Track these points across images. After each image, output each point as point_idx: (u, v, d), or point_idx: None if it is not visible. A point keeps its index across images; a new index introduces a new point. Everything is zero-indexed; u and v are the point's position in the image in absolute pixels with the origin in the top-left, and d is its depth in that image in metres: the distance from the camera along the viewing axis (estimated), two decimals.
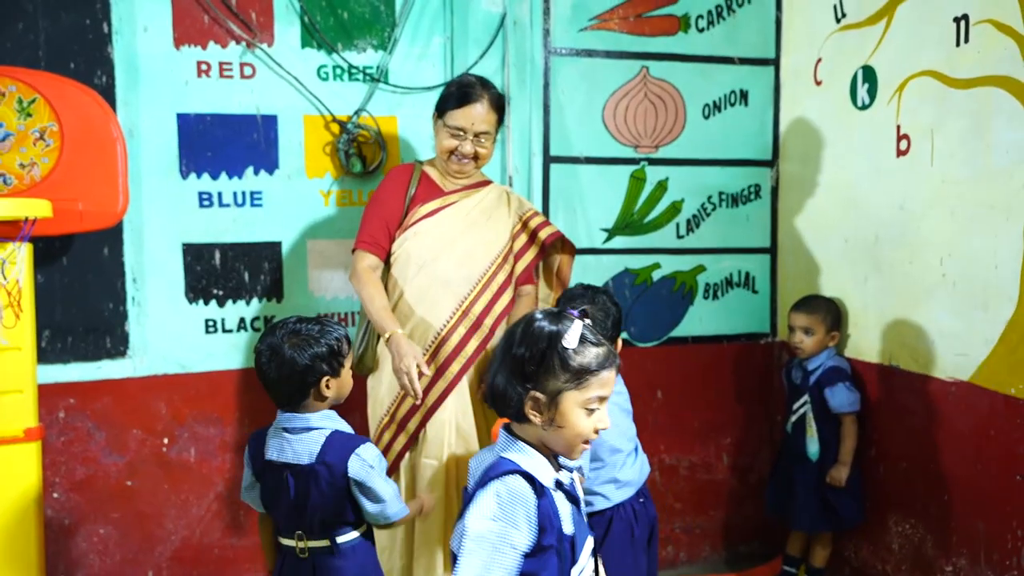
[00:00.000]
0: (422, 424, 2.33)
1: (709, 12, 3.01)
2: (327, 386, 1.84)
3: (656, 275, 3.06)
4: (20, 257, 2.16)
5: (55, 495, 2.55)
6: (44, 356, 2.48)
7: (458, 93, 2.34)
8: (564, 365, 1.40)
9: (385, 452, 2.36)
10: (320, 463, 1.80)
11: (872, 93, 2.64)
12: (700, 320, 3.10)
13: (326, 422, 1.86)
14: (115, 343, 2.59)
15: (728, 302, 3.13)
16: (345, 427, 1.89)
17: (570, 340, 1.40)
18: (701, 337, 3.11)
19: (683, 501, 3.13)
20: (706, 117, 3.05)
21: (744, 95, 3.07)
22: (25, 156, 2.26)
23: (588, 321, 1.45)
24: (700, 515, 3.14)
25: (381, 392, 2.39)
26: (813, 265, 2.95)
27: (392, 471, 2.37)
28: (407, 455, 2.37)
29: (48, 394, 2.47)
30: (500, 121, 2.41)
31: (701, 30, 3.01)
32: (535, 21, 2.87)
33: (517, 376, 1.42)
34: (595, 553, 1.56)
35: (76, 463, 2.57)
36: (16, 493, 2.18)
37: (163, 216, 2.61)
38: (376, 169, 2.75)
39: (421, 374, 2.12)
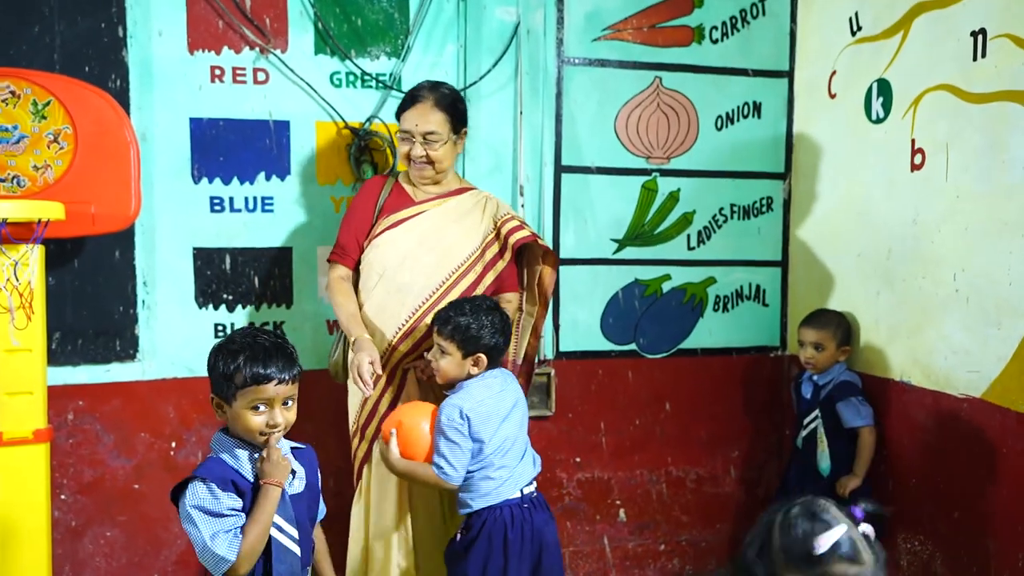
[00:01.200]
0: (377, 430, 2.34)
1: (723, 23, 3.00)
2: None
3: (666, 286, 3.05)
4: (33, 259, 2.17)
5: (63, 497, 2.55)
6: (54, 358, 2.49)
7: (406, 97, 2.37)
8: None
9: (353, 460, 2.40)
10: None
11: (887, 107, 2.62)
12: (710, 332, 3.09)
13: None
14: (125, 346, 2.60)
15: (738, 315, 3.11)
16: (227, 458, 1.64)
17: (822, 544, 1.21)
18: (710, 349, 3.09)
19: (689, 514, 3.11)
20: (719, 129, 3.04)
21: (757, 107, 3.06)
22: (39, 158, 2.27)
23: (864, 531, 1.25)
24: (707, 528, 3.12)
25: (351, 401, 2.41)
26: (824, 279, 2.94)
27: (357, 479, 2.39)
28: (367, 463, 2.38)
29: (57, 396, 2.47)
30: (456, 122, 2.34)
31: (715, 41, 3.00)
32: (548, 30, 2.87)
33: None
34: None
35: (84, 465, 2.57)
36: (24, 494, 2.18)
37: (174, 220, 2.62)
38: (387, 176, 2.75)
39: (375, 374, 2.15)
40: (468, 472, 2.11)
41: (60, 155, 2.29)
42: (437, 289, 2.31)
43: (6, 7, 2.42)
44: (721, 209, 3.07)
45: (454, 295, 2.29)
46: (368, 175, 2.73)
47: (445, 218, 2.37)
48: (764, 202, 3.11)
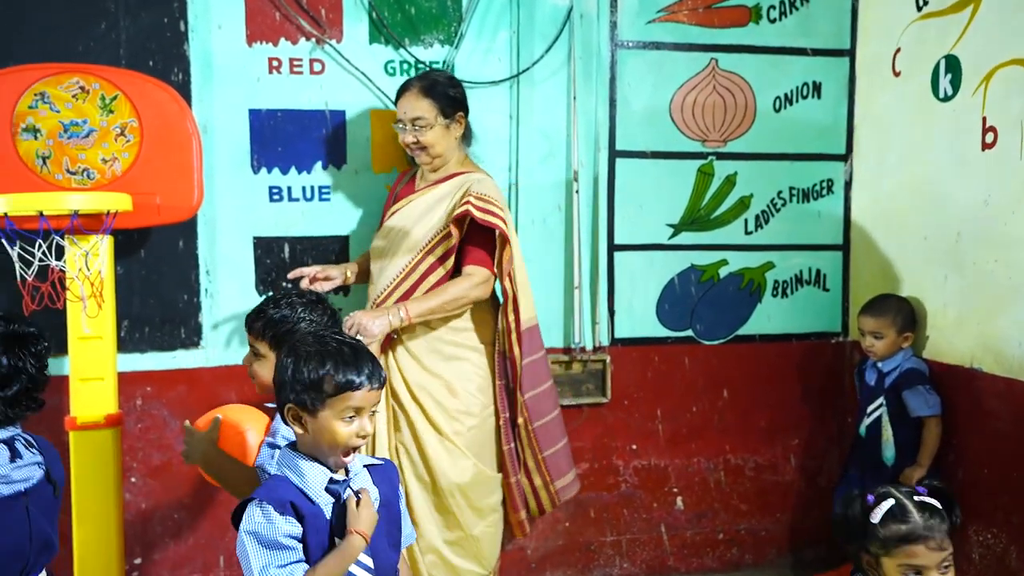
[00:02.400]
0: None
1: (781, 2, 2.93)
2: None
3: (723, 272, 3.00)
4: (102, 249, 2.23)
5: (133, 480, 2.63)
6: (122, 345, 2.56)
7: (399, 88, 2.46)
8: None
9: None
10: None
11: (955, 84, 2.53)
12: (768, 318, 3.03)
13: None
14: (189, 334, 2.66)
15: (798, 300, 3.05)
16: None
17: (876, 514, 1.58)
18: (769, 335, 3.04)
19: (748, 502, 3.07)
20: (777, 110, 2.97)
21: (817, 87, 2.98)
22: (107, 151, 2.33)
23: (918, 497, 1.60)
24: (766, 517, 3.08)
25: None
26: (888, 263, 2.85)
27: None
28: None
29: (126, 382, 2.54)
30: (445, 107, 2.39)
31: (773, 21, 2.93)
32: (602, 14, 2.84)
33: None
34: None
35: (152, 449, 2.65)
36: (97, 477, 2.26)
37: (235, 210, 2.67)
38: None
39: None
40: None
41: (127, 148, 2.35)
42: (398, 275, 2.40)
43: (74, 5, 2.49)
44: (779, 192, 3.01)
45: (411, 280, 2.39)
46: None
47: (425, 205, 2.43)
48: (824, 184, 3.03)
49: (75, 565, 2.25)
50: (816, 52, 2.97)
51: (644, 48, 2.88)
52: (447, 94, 2.41)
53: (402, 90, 2.44)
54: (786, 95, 2.97)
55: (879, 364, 2.67)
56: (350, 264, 2.64)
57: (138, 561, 2.67)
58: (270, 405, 1.78)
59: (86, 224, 2.17)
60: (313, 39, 2.67)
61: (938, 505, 1.59)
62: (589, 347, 2.90)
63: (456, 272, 2.39)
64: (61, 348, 2.40)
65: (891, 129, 2.84)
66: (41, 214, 2.10)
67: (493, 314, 2.48)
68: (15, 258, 2.12)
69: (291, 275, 2.54)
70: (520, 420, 2.44)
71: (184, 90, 2.56)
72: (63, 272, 2.21)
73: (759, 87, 2.95)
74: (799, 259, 3.04)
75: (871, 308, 2.69)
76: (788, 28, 2.94)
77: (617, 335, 2.94)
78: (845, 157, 3.03)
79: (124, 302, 2.56)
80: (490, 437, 2.44)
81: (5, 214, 2.07)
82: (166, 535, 2.69)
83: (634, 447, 2.98)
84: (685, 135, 2.94)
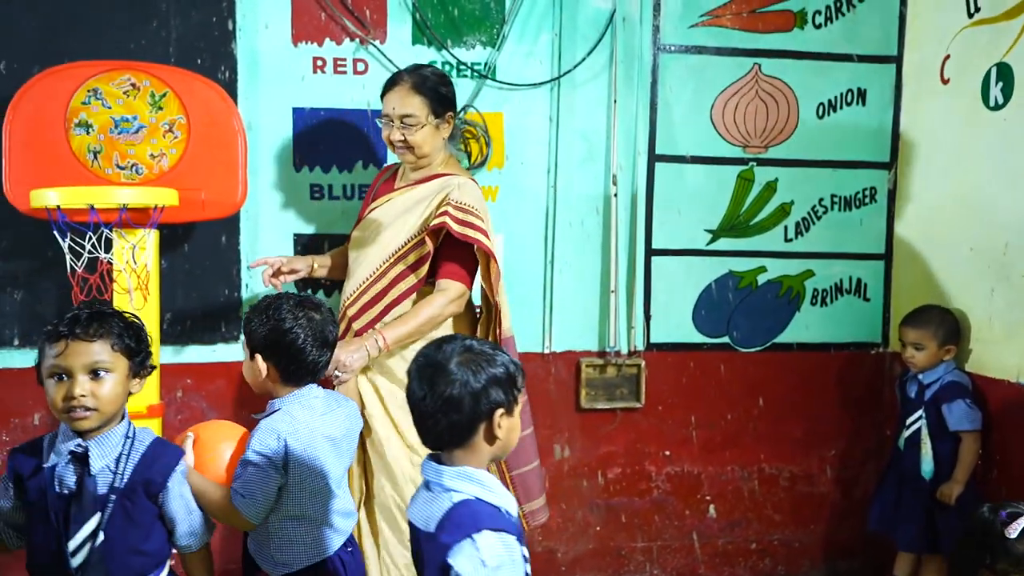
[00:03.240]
0: None
1: (827, 7, 2.90)
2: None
3: (761, 279, 2.97)
4: (149, 243, 2.28)
5: None
6: (165, 338, 2.60)
7: (387, 80, 2.34)
8: None
9: None
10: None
11: (1007, 92, 2.48)
12: (806, 327, 3.00)
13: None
14: (229, 328, 2.70)
15: (837, 309, 3.01)
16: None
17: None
18: (807, 344, 3.00)
19: (782, 513, 3.03)
20: (820, 117, 2.94)
21: (862, 94, 2.94)
22: (155, 147, 2.38)
23: None
24: (800, 528, 3.04)
25: None
26: (932, 274, 2.81)
27: None
28: None
29: (167, 374, 2.59)
30: (436, 106, 2.28)
31: (818, 26, 2.90)
32: (645, 18, 2.83)
33: None
34: None
35: None
36: None
37: (277, 206, 2.71)
38: (482, 164, 2.77)
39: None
40: (283, 518, 1.76)
41: (174, 144, 2.39)
42: (366, 280, 2.31)
43: (127, 3, 2.54)
44: (821, 200, 2.97)
45: (380, 286, 2.28)
46: (463, 164, 2.76)
47: (402, 206, 2.31)
48: (867, 193, 2.99)
49: None
50: (862, 58, 2.93)
51: (686, 52, 2.87)
52: (439, 92, 2.29)
53: (391, 84, 2.31)
54: (830, 101, 2.94)
55: (920, 376, 2.62)
56: (320, 257, 2.53)
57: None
58: (256, 416, 1.82)
59: (134, 218, 2.21)
60: (357, 39, 2.70)
61: None
62: (624, 351, 2.89)
63: (430, 279, 2.28)
64: None
65: (938, 137, 2.79)
66: (92, 207, 2.14)
67: (469, 324, 2.39)
68: (66, 249, 2.17)
69: (252, 264, 2.43)
70: None
71: (231, 88, 2.60)
72: (111, 264, 2.25)
73: (802, 93, 2.92)
74: (839, 268, 3.00)
75: (913, 319, 2.65)
76: (834, 34, 2.91)
77: (652, 340, 2.92)
78: (889, 165, 2.99)
79: (167, 295, 2.60)
80: None
81: (58, 206, 2.12)
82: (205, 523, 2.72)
83: (667, 453, 2.96)
84: (726, 140, 2.91)
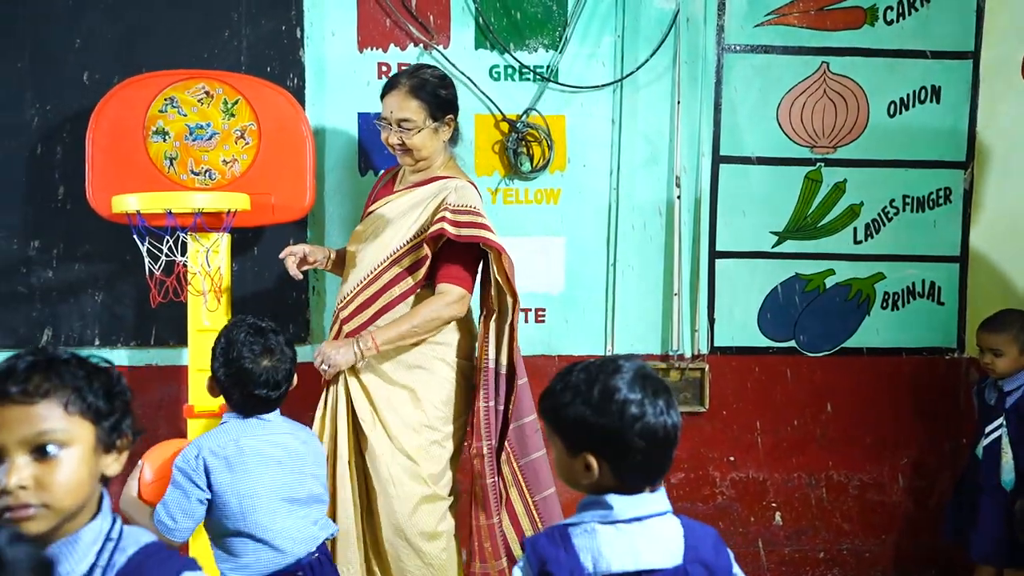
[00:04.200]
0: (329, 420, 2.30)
1: (899, 3, 2.82)
2: None
3: (829, 282, 2.90)
4: (222, 246, 2.34)
5: None
6: None
7: (385, 83, 2.30)
8: None
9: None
10: None
11: None
12: (877, 331, 2.92)
13: None
14: (297, 329, 2.76)
15: (909, 313, 2.92)
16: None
17: None
18: (877, 349, 2.92)
19: (852, 522, 2.95)
20: (891, 115, 2.86)
21: (936, 91, 2.85)
22: (228, 153, 2.44)
23: None
24: (870, 537, 2.96)
25: None
26: (1010, 277, 2.71)
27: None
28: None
29: None
30: (435, 109, 2.22)
31: (890, 22, 2.82)
32: (709, 17, 2.80)
33: None
34: None
35: None
36: None
37: (342, 210, 2.75)
38: (544, 168, 2.78)
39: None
40: (221, 535, 1.78)
41: (245, 150, 2.45)
42: (360, 282, 2.26)
43: (201, 14, 2.62)
44: (892, 201, 2.89)
45: (374, 288, 2.23)
46: (525, 167, 2.77)
47: (399, 209, 2.26)
48: (941, 193, 2.90)
49: (190, 546, 2.36)
50: (936, 55, 2.84)
51: (752, 52, 2.82)
52: (437, 95, 2.23)
53: (389, 87, 2.26)
54: (902, 100, 2.86)
55: (1000, 383, 2.53)
56: (334, 250, 2.46)
57: None
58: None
59: (208, 222, 2.28)
60: (421, 45, 2.73)
61: None
62: (688, 355, 2.86)
63: (428, 284, 2.23)
64: (182, 340, 2.53)
65: (1018, 136, 2.69)
66: (169, 212, 2.21)
67: (468, 328, 2.31)
68: (144, 253, 2.24)
69: (281, 255, 2.34)
70: (503, 455, 2.23)
71: (299, 94, 2.66)
72: (186, 267, 2.32)
73: (873, 91, 2.85)
74: (912, 270, 2.92)
75: (991, 324, 2.56)
76: (906, 30, 2.83)
77: (716, 344, 2.88)
78: (965, 165, 2.89)
79: (238, 297, 2.66)
80: (447, 458, 2.24)
81: (137, 211, 2.19)
82: None
83: (732, 459, 2.91)
84: (792, 140, 2.86)
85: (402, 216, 2.25)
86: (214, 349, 1.85)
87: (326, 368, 2.19)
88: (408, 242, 2.22)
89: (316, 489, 1.88)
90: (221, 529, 1.79)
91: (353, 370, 2.23)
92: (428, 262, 2.19)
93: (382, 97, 2.28)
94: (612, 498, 1.19)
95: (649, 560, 1.17)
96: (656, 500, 1.21)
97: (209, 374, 1.86)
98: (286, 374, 1.84)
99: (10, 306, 2.65)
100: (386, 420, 2.20)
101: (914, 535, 2.96)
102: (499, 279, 2.22)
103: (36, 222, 2.63)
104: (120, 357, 2.67)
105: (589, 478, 1.20)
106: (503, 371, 2.25)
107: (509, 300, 2.23)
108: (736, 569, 1.28)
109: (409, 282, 2.22)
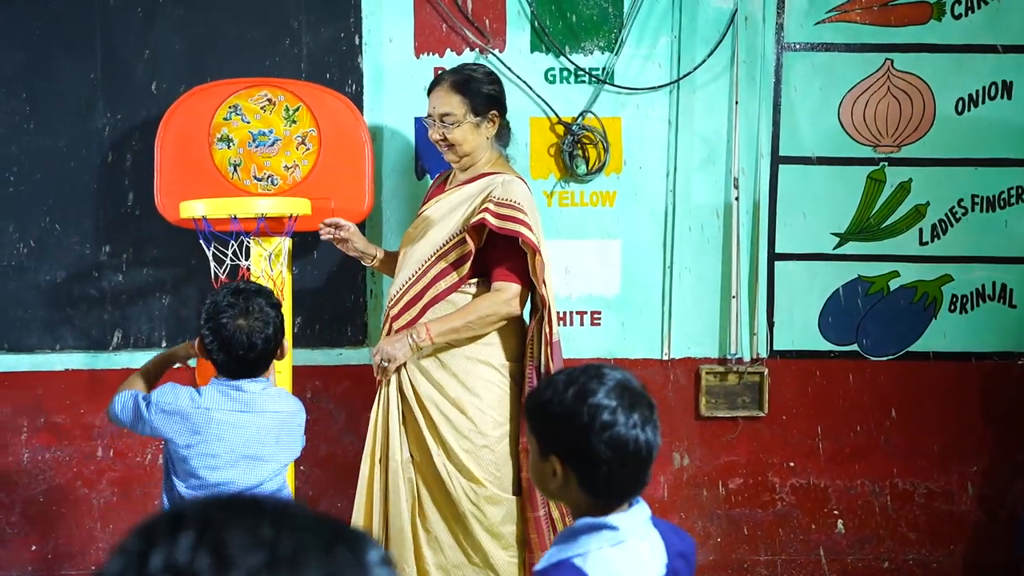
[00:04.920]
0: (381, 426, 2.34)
1: None
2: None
3: (893, 284, 2.83)
4: (284, 250, 2.39)
5: (301, 468, 2.80)
6: (296, 341, 2.71)
7: (431, 81, 2.34)
8: None
9: None
10: None
11: None
12: (944, 335, 2.83)
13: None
14: (354, 332, 2.80)
15: (979, 316, 2.83)
16: None
17: None
18: (945, 353, 2.83)
19: (918, 531, 2.87)
20: (959, 112, 2.77)
21: (1007, 87, 2.76)
22: (289, 159, 2.50)
23: None
24: (937, 548, 2.87)
25: None
26: None
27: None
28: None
29: (298, 376, 2.69)
30: (476, 103, 2.24)
31: (957, 17, 2.74)
32: (768, 16, 2.75)
33: None
34: None
35: (319, 441, 2.80)
36: None
37: (399, 214, 2.79)
38: (599, 170, 2.77)
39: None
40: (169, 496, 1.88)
41: (306, 156, 2.50)
42: (408, 279, 2.28)
43: (263, 24, 2.69)
44: (960, 200, 2.80)
45: (421, 284, 2.25)
46: (580, 170, 2.76)
47: (448, 206, 2.28)
48: (1013, 192, 2.80)
49: None
50: (1007, 49, 2.75)
51: (812, 50, 2.77)
52: (480, 91, 2.26)
53: (434, 83, 2.32)
54: (970, 96, 2.77)
55: None
56: (383, 250, 2.50)
57: None
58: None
59: (271, 227, 2.33)
60: (477, 49, 2.75)
61: None
62: (746, 358, 2.82)
63: (475, 279, 2.25)
64: None
65: None
66: (233, 217, 2.27)
67: (517, 329, 2.30)
68: (210, 257, 2.30)
69: (327, 220, 2.35)
70: None
71: (357, 100, 2.70)
72: (249, 271, 2.38)
73: (939, 88, 2.76)
74: (981, 272, 2.82)
75: None
76: (975, 24, 2.74)
77: (776, 347, 2.83)
78: None
79: (298, 300, 2.72)
80: (506, 459, 2.24)
81: (204, 216, 2.25)
82: None
83: (792, 464, 2.86)
84: (855, 140, 2.79)
85: (449, 213, 2.28)
86: (200, 312, 1.86)
87: (386, 364, 2.22)
88: (454, 236, 2.24)
89: (268, 470, 1.86)
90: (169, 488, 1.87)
91: (404, 371, 2.26)
92: (472, 256, 2.21)
93: (428, 95, 2.33)
94: (615, 519, 1.15)
95: (652, 571, 1.17)
96: (643, 511, 1.19)
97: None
98: (264, 336, 1.79)
99: (82, 308, 2.75)
100: (437, 423, 2.22)
101: (984, 547, 2.86)
102: (532, 279, 2.23)
103: (107, 228, 2.73)
104: None
105: (556, 483, 1.17)
106: (543, 370, 2.25)
107: (540, 301, 2.24)
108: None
109: (454, 277, 2.24)
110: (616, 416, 1.12)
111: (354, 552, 0.54)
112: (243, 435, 1.81)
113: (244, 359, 1.79)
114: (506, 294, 2.20)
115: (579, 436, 1.13)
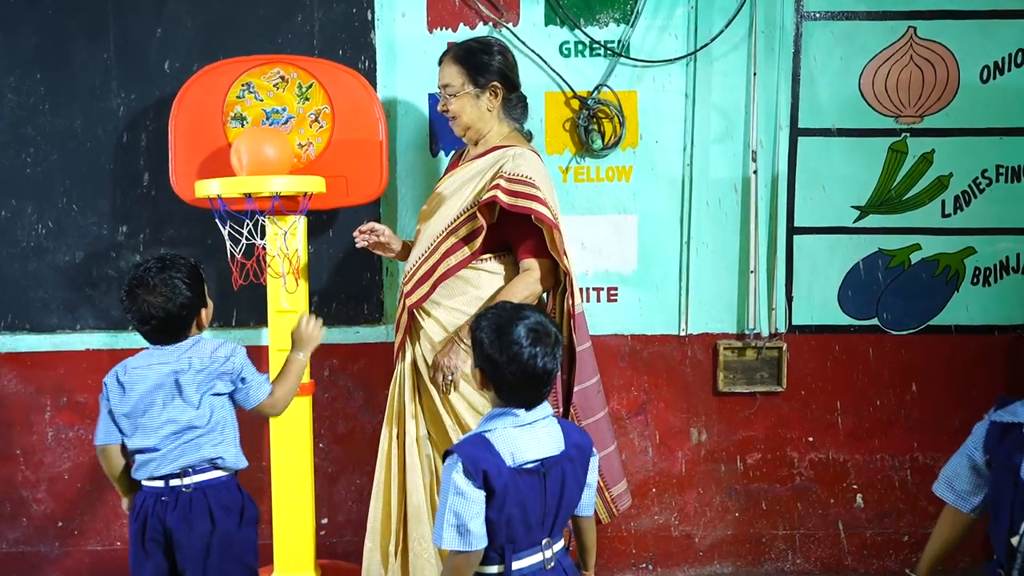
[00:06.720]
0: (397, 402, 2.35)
1: None
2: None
3: (915, 257, 2.79)
4: (299, 229, 2.38)
5: (320, 445, 2.82)
6: None
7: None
8: None
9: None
10: None
11: None
12: (966, 308, 2.79)
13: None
14: (371, 310, 2.80)
15: (1002, 289, 2.78)
16: None
17: None
18: (967, 327, 2.80)
19: (937, 505, 2.80)
20: (984, 81, 2.71)
21: None
22: (303, 136, 2.48)
23: None
24: None
25: None
26: None
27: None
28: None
29: (315, 354, 2.66)
30: (474, 74, 2.23)
31: None
32: None
33: None
34: None
35: (338, 418, 2.82)
36: (293, 441, 2.43)
37: (414, 191, 2.77)
38: (615, 145, 2.73)
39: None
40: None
41: (320, 133, 2.49)
42: (421, 256, 2.27)
43: (275, 0, 2.66)
44: (984, 171, 2.75)
45: (432, 260, 2.24)
46: (596, 144, 2.73)
47: (460, 181, 2.27)
48: None
49: (273, 520, 2.44)
50: None
51: (832, 19, 2.71)
52: (478, 60, 2.24)
53: (441, 57, 2.32)
54: (996, 64, 2.70)
55: None
56: (405, 242, 2.48)
57: (324, 521, 2.86)
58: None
59: (286, 205, 2.32)
60: (491, 23, 2.71)
61: None
62: (765, 333, 2.80)
63: (488, 254, 2.25)
64: (261, 320, 2.61)
65: None
66: (248, 196, 2.26)
67: (535, 304, 2.26)
68: (226, 236, 2.30)
69: (362, 228, 2.33)
70: (569, 417, 2.25)
71: (370, 76, 2.68)
72: (265, 250, 2.38)
73: (963, 56, 2.70)
74: (1005, 244, 2.77)
75: None
76: None
77: (795, 322, 2.81)
78: None
79: (314, 279, 2.73)
80: None
81: (219, 195, 2.25)
82: (349, 499, 2.86)
83: (811, 439, 2.84)
84: (876, 111, 2.74)
85: (460, 188, 2.27)
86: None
87: (451, 378, 2.19)
88: (465, 211, 2.23)
89: (182, 416, 1.93)
90: None
91: (419, 347, 2.27)
92: (485, 231, 2.20)
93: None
94: (519, 410, 1.59)
95: (547, 450, 1.59)
96: (543, 409, 1.62)
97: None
98: (158, 308, 1.89)
99: (100, 288, 2.78)
100: (451, 398, 2.22)
101: None
102: (552, 254, 2.21)
103: (124, 208, 2.74)
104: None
105: (480, 386, 1.64)
106: (563, 343, 2.24)
107: (563, 274, 2.24)
108: (594, 449, 1.70)
109: (465, 252, 2.23)
110: (522, 349, 1.55)
111: None
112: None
113: (144, 333, 1.95)
114: (537, 272, 2.21)
115: (495, 360, 1.57)
